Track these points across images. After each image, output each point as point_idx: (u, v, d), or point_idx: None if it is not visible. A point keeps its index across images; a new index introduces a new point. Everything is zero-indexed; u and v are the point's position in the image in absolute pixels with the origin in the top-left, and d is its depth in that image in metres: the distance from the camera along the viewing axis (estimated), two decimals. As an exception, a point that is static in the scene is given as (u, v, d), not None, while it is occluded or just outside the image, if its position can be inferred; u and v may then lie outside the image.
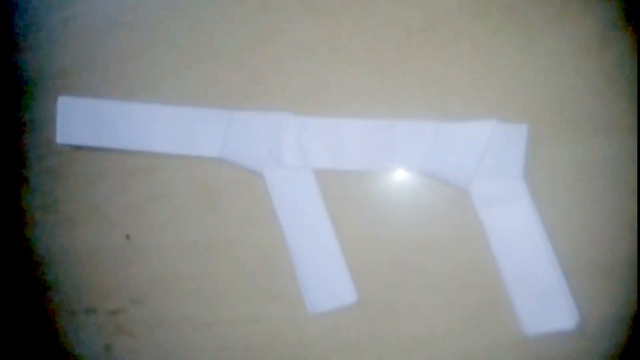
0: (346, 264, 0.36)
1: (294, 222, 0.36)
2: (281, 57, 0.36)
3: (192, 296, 0.37)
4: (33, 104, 0.38)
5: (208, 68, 0.37)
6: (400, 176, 0.36)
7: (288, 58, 0.36)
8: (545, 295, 0.34)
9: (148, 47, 0.38)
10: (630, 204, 0.34)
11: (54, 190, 0.38)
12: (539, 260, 0.34)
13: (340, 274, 0.36)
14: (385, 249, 0.36)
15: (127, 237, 0.38)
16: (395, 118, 0.35)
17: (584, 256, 0.35)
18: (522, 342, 0.34)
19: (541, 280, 0.34)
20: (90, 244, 0.38)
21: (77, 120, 0.37)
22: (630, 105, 0.34)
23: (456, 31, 0.35)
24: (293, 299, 0.36)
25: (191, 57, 0.37)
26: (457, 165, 0.34)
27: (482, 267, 0.35)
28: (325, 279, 0.36)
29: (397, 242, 0.36)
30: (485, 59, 0.35)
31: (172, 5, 0.37)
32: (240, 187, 0.37)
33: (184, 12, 0.37)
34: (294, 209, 0.36)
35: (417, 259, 0.36)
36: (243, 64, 0.37)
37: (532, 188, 0.34)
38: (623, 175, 0.34)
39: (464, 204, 0.35)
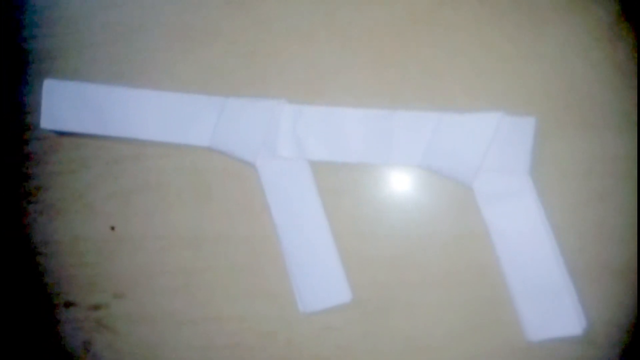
0: (341, 262, 0.34)
1: (287, 216, 0.35)
2: (277, 43, 0.35)
3: (178, 292, 0.35)
4: (17, 86, 0.37)
5: (201, 53, 0.36)
6: (400, 170, 0.35)
7: (284, 43, 0.35)
8: (551, 298, 0.32)
9: (139, 30, 0.36)
10: (641, 203, 0.33)
11: (37, 177, 0.37)
12: (544, 260, 0.33)
13: (334, 272, 0.34)
14: (383, 246, 0.34)
15: (112, 228, 0.36)
16: (395, 108, 0.34)
17: (591, 257, 0.33)
18: (525, 346, 0.33)
19: (547, 282, 0.33)
20: (73, 234, 0.36)
21: (62, 104, 0.35)
22: (643, 100, 0.33)
23: (461, 18, 0.34)
24: (284, 297, 0.34)
25: (183, 41, 0.36)
26: (461, 159, 0.33)
27: (485, 266, 0.34)
28: (319, 277, 0.34)
29: (395, 239, 0.34)
30: (491, 48, 0.34)
31: (166, -12, 0.36)
32: (231, 178, 0.35)
33: (178, -5, 0.36)
34: (288, 203, 0.35)
35: (416, 257, 0.34)
36: (237, 49, 0.35)
37: (538, 185, 0.33)
38: (634, 172, 0.33)
39: (467, 200, 0.34)
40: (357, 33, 0.35)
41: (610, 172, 0.33)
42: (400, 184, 0.35)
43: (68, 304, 0.36)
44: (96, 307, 0.36)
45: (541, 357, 0.33)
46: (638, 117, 0.33)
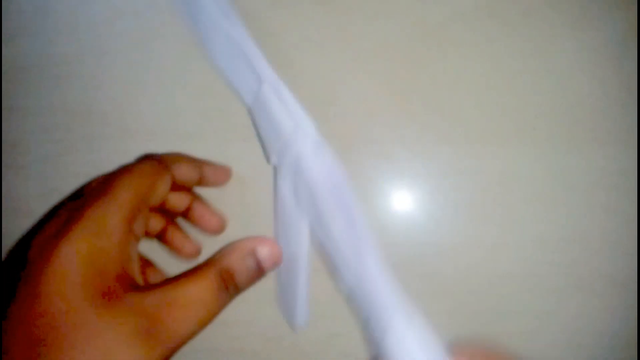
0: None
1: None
2: (289, 52, 0.36)
3: (185, 295, 0.35)
4: (34, 89, 0.37)
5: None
6: (405, 180, 0.35)
7: (296, 53, 0.36)
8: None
9: (155, 37, 0.37)
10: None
11: (51, 179, 0.37)
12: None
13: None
14: (387, 254, 0.34)
15: (122, 230, 0.36)
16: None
17: (596, 269, 0.33)
18: (531, 355, 0.33)
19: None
20: (84, 235, 0.36)
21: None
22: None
23: (471, 33, 0.35)
24: (291, 303, 0.34)
25: (199, 49, 0.36)
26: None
27: (491, 276, 0.34)
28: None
29: (399, 248, 0.35)
30: (500, 62, 0.34)
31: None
32: (241, 181, 0.36)
33: (194, 4, 0.37)
34: (294, 208, 0.35)
35: (421, 265, 0.34)
36: (251, 58, 0.36)
37: (546, 197, 0.33)
38: (638, 186, 0.33)
39: (472, 209, 0.34)
40: (368, 46, 0.35)
41: (614, 185, 0.33)
42: (404, 193, 0.35)
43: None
44: (104, 309, 0.36)
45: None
46: (640, 132, 0.33)
